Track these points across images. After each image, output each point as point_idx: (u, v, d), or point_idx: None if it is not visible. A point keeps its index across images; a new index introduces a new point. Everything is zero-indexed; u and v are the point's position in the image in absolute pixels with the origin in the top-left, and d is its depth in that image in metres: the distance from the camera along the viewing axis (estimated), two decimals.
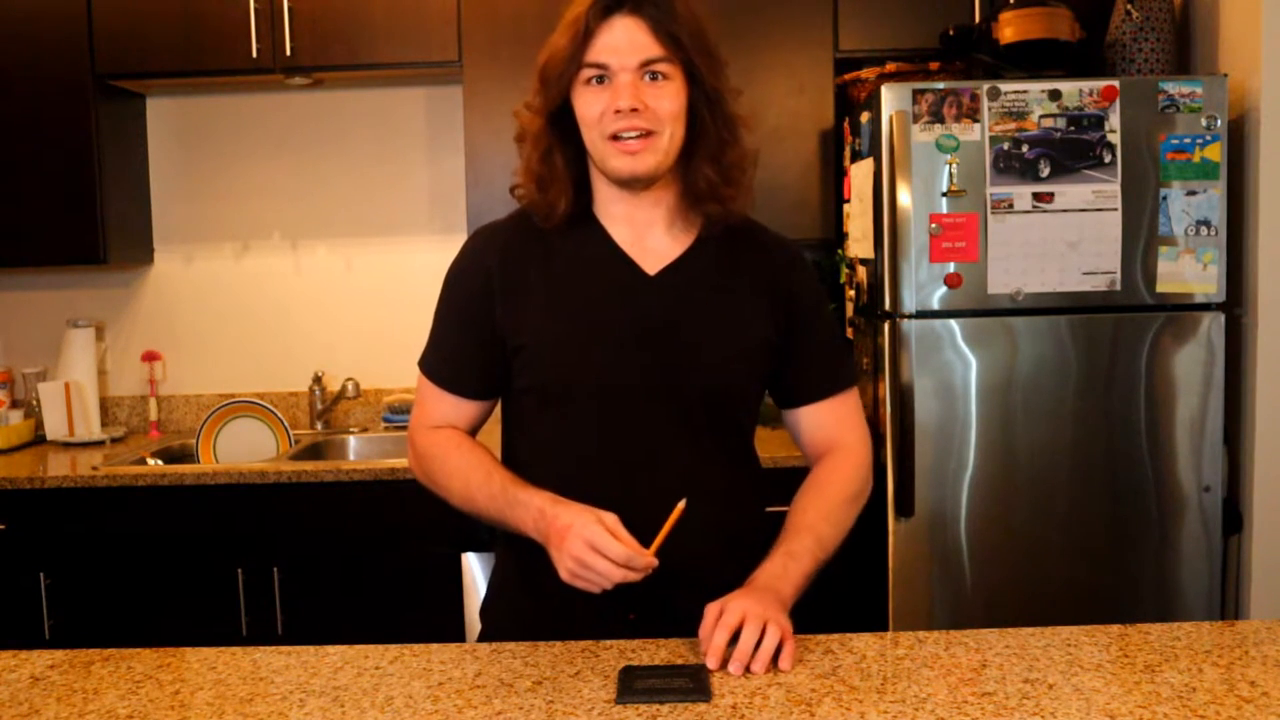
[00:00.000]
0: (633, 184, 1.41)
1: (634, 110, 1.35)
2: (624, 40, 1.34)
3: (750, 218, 1.53)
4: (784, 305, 1.49)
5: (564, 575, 1.29)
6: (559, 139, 1.42)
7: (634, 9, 1.34)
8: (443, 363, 1.53)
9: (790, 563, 1.37)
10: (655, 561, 1.27)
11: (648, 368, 1.43)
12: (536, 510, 1.35)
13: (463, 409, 1.53)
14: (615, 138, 1.37)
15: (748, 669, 1.24)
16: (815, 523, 1.44)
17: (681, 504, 1.30)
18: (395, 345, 3.37)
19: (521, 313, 1.45)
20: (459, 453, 1.48)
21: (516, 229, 1.50)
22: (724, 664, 1.24)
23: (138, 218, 3.34)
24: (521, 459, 1.51)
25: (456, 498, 1.48)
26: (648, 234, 1.47)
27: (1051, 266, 2.48)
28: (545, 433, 1.48)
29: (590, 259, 1.46)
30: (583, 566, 1.27)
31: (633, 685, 1.20)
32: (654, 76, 1.36)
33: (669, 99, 1.37)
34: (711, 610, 1.29)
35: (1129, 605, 2.52)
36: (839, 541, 1.46)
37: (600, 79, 1.37)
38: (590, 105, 1.37)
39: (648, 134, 1.37)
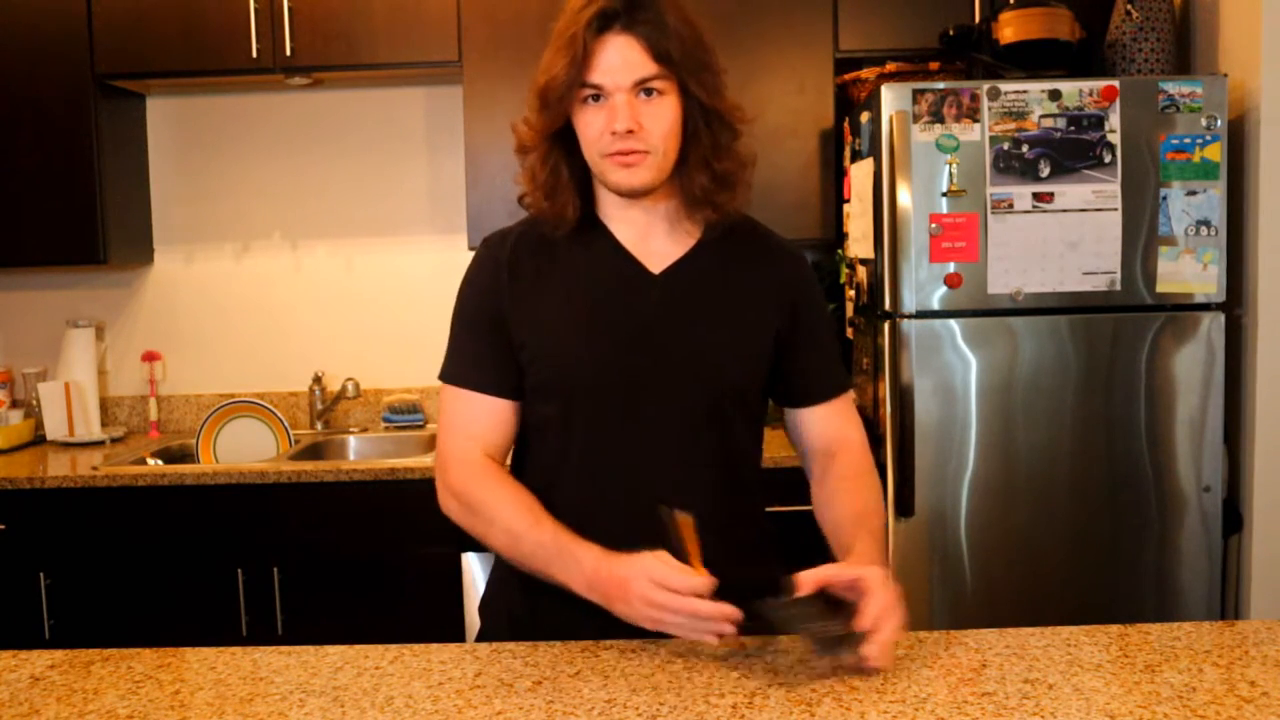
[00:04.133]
0: (631, 194, 1.44)
1: (629, 132, 1.37)
2: (618, 60, 1.35)
3: (751, 217, 1.55)
4: (789, 306, 1.52)
5: (646, 624, 1.27)
6: (562, 150, 1.44)
7: (627, 26, 1.34)
8: (469, 365, 1.50)
9: (880, 550, 1.40)
10: (712, 579, 1.25)
11: (653, 366, 1.44)
12: (591, 567, 1.32)
13: (496, 411, 1.48)
14: (612, 153, 1.40)
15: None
16: (875, 511, 1.47)
17: (684, 517, 1.29)
18: (395, 345, 3.37)
19: (529, 312, 1.47)
20: (504, 490, 1.43)
21: (525, 233, 1.51)
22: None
23: (138, 218, 3.34)
24: (530, 457, 1.52)
25: (498, 537, 1.43)
26: (651, 235, 1.49)
27: (1051, 266, 2.48)
28: (552, 430, 1.49)
29: (596, 259, 1.48)
30: (659, 609, 1.24)
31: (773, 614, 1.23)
32: (648, 93, 1.37)
33: (663, 117, 1.38)
34: (879, 595, 1.24)
35: (1129, 605, 2.52)
36: None
37: (596, 97, 1.38)
38: (588, 124, 1.39)
39: (643, 152, 1.39)
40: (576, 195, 1.46)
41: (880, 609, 1.23)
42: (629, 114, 1.36)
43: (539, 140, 1.44)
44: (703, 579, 1.25)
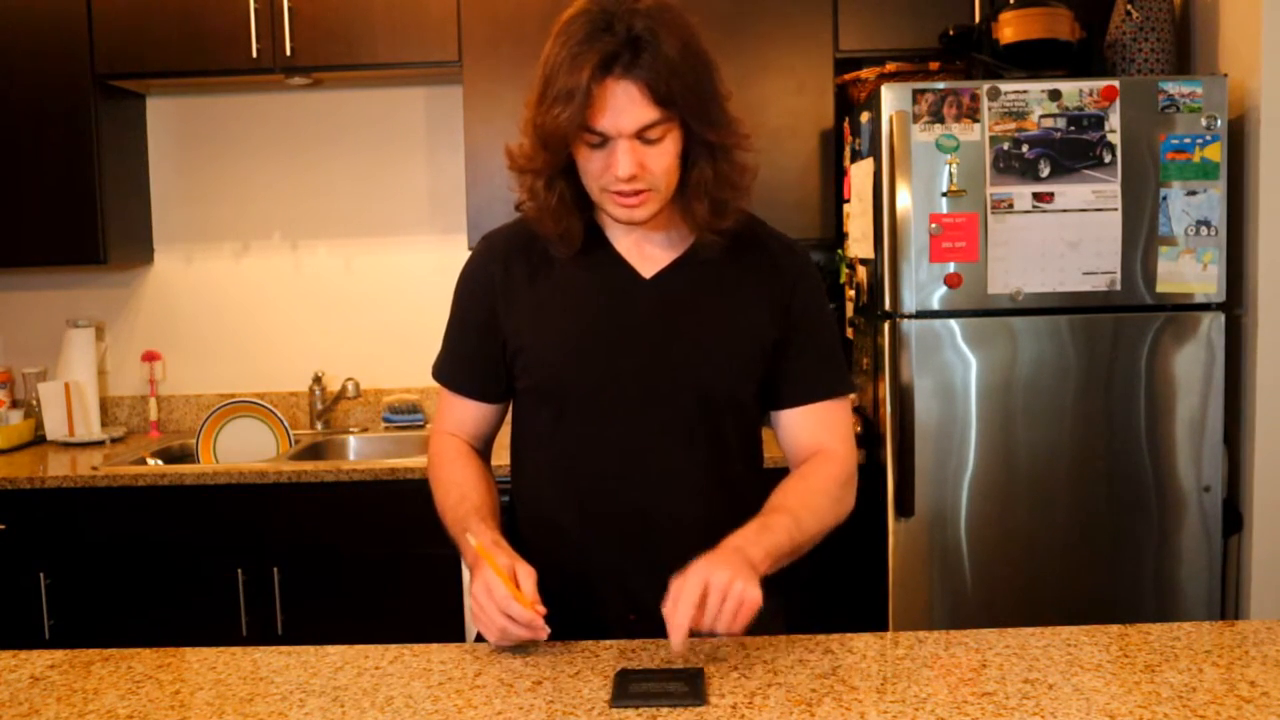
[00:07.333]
0: (630, 224, 1.44)
1: (632, 176, 1.35)
2: (620, 106, 1.32)
3: (753, 215, 1.53)
4: (783, 307, 1.49)
5: (472, 619, 1.35)
6: (564, 176, 1.42)
7: (628, 68, 1.31)
8: (454, 368, 1.58)
9: (764, 532, 1.34)
10: (538, 618, 1.29)
11: (641, 371, 1.44)
12: (473, 551, 1.37)
13: (477, 411, 1.58)
14: (614, 192, 1.38)
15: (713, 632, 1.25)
16: (793, 506, 1.40)
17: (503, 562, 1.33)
18: (395, 345, 3.37)
19: (521, 316, 1.48)
20: (452, 467, 1.54)
21: (520, 235, 1.52)
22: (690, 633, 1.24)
23: (138, 218, 3.34)
24: (523, 457, 1.55)
25: (437, 507, 1.53)
26: (646, 239, 1.49)
27: (1051, 266, 2.48)
28: (543, 433, 1.50)
29: (588, 263, 1.48)
30: (478, 607, 1.31)
31: (628, 689, 1.20)
32: (650, 140, 1.35)
33: (664, 155, 1.36)
34: (674, 587, 1.25)
35: (1129, 605, 2.52)
36: (816, 534, 1.42)
37: (599, 143, 1.36)
38: (589, 162, 1.37)
39: (646, 191, 1.38)
40: (580, 219, 1.45)
41: (669, 615, 1.23)
42: (631, 160, 1.34)
43: (541, 174, 1.41)
44: (525, 609, 1.28)
